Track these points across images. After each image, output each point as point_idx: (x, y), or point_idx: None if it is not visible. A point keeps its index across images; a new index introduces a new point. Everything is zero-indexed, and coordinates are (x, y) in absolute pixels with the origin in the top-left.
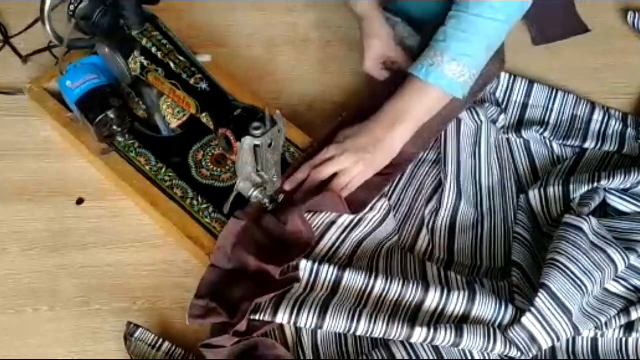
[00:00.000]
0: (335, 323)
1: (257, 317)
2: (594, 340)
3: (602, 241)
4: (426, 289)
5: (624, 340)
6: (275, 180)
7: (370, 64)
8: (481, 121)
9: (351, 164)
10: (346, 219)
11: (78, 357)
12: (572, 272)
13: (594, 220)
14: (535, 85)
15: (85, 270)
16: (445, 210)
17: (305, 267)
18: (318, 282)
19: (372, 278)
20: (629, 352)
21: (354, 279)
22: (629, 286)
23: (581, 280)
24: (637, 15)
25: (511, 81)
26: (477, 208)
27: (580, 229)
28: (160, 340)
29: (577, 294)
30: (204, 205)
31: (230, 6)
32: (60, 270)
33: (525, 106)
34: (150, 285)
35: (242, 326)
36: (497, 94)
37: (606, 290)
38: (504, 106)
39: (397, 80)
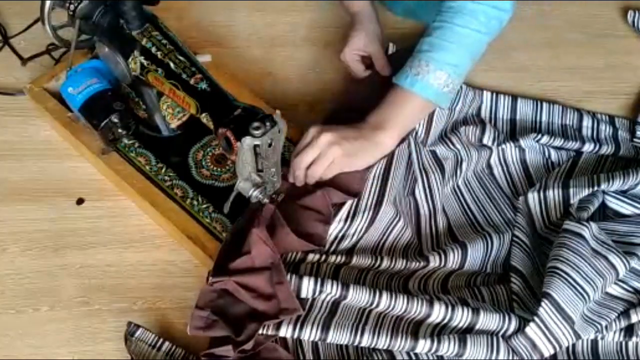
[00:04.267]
0: (339, 337)
1: (260, 332)
2: (594, 342)
3: (602, 247)
4: (431, 304)
5: (624, 342)
6: (275, 180)
7: (350, 53)
8: (457, 149)
9: (325, 147)
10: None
11: (78, 357)
12: (574, 280)
13: (594, 226)
14: (519, 100)
15: (85, 270)
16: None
17: (307, 287)
18: (318, 300)
19: (377, 296)
20: (629, 353)
21: (357, 298)
22: (629, 288)
23: (583, 288)
24: (636, 14)
25: (494, 99)
26: (473, 225)
27: (581, 236)
28: (161, 340)
29: (579, 301)
30: (204, 205)
31: (230, 6)
32: (60, 270)
33: (513, 122)
34: (150, 285)
35: (248, 345)
36: (482, 114)
37: (606, 293)
38: (492, 124)
39: (374, 81)
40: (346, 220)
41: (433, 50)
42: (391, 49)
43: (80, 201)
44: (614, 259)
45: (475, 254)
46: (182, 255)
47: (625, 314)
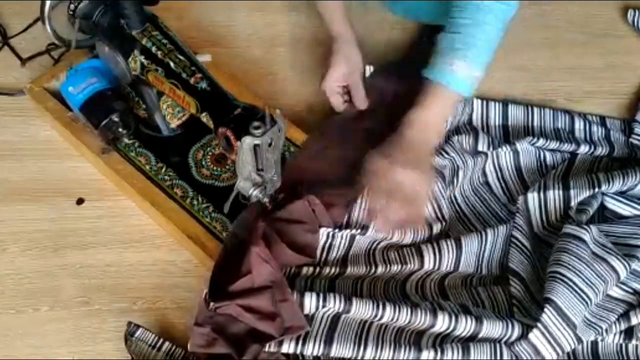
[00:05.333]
0: (342, 351)
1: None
2: (594, 343)
3: (603, 250)
4: (434, 315)
5: (624, 344)
6: (275, 179)
7: (331, 84)
8: (452, 157)
9: (414, 192)
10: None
11: (78, 357)
12: (576, 285)
13: (594, 229)
14: (510, 105)
15: (85, 270)
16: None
17: (310, 303)
18: (318, 314)
19: (380, 309)
20: (629, 354)
21: (361, 311)
22: (629, 289)
23: (585, 293)
24: (636, 13)
25: (485, 105)
26: (468, 228)
27: (581, 239)
28: (161, 340)
29: (581, 306)
30: (204, 205)
31: (230, 6)
32: (60, 270)
33: (505, 127)
34: (150, 285)
35: None
36: (474, 121)
37: (606, 294)
38: (485, 131)
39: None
40: (334, 228)
41: (467, 49)
42: (368, 71)
43: (80, 201)
44: (614, 261)
45: (470, 249)
46: (182, 255)
47: (625, 316)
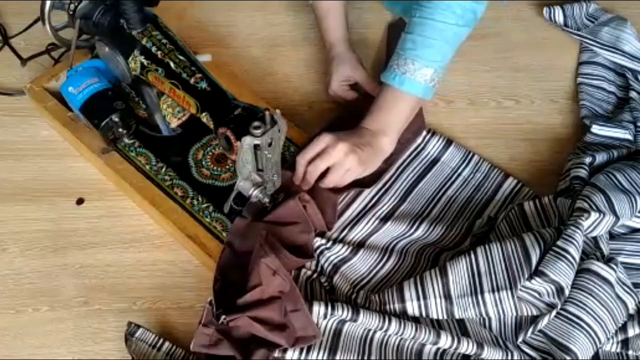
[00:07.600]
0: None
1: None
2: (595, 352)
3: (624, 291)
4: (438, 334)
5: (623, 352)
6: (275, 179)
7: (336, 86)
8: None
9: (342, 156)
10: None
11: (78, 357)
12: (597, 335)
13: (619, 266)
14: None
15: (85, 270)
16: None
17: (318, 312)
18: (324, 322)
19: (386, 322)
20: (629, 357)
21: (368, 321)
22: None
23: (600, 340)
24: (552, 9)
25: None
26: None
27: (607, 281)
28: (161, 340)
29: (593, 349)
30: (204, 205)
31: (231, 6)
32: (60, 270)
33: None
34: (150, 285)
35: None
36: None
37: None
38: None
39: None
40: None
41: (417, 48)
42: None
43: (80, 201)
44: (629, 300)
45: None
46: (182, 255)
47: (622, 327)
